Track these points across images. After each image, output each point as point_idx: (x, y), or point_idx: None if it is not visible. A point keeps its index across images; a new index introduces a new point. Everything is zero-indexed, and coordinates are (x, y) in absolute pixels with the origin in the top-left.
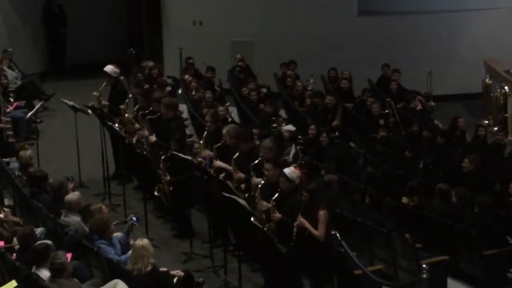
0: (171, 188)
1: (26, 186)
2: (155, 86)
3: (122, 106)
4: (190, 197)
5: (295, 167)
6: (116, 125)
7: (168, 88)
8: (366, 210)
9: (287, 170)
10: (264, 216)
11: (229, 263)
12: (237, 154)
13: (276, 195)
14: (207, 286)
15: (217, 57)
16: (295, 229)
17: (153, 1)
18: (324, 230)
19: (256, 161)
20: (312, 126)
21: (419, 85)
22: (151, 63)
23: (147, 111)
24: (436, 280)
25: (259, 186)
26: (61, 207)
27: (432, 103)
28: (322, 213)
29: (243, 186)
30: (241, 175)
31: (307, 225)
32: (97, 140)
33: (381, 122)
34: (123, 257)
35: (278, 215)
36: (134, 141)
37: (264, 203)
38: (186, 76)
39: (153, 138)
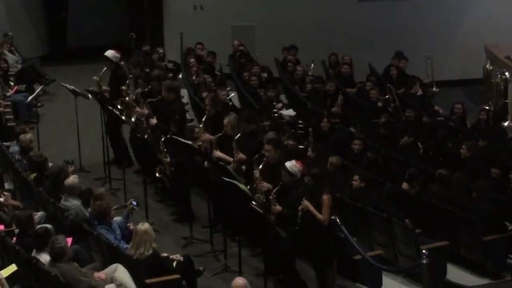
0: (172, 169)
1: (26, 170)
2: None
3: (124, 87)
4: (191, 177)
5: (296, 160)
6: (119, 106)
7: (170, 75)
8: (365, 194)
9: (288, 164)
10: (263, 197)
11: (229, 248)
12: (239, 134)
13: (277, 187)
14: (207, 270)
15: (218, 41)
16: (299, 213)
17: None
18: (328, 214)
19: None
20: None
21: (420, 70)
22: (147, 47)
23: (146, 89)
24: (435, 266)
25: (260, 167)
26: (60, 192)
27: (435, 89)
28: (325, 197)
29: (243, 167)
30: (242, 156)
31: (312, 208)
32: (98, 124)
33: (379, 104)
34: (124, 246)
35: (278, 207)
36: (133, 120)
37: (265, 184)
38: (192, 60)
39: (153, 120)
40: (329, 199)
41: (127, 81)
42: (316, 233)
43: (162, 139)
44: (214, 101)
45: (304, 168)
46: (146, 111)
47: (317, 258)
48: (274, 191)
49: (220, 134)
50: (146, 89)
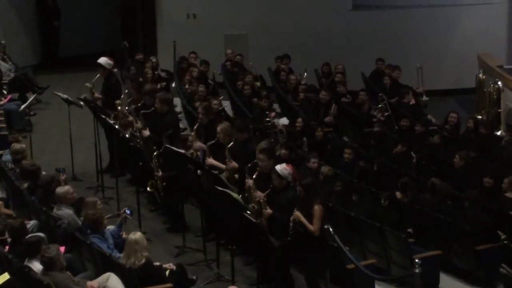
0: (164, 184)
1: (19, 179)
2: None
3: (118, 101)
4: (183, 193)
5: (287, 164)
6: (111, 118)
7: (163, 83)
8: (358, 204)
9: (278, 167)
10: (257, 206)
11: (222, 257)
12: (231, 143)
13: (268, 191)
14: (199, 279)
15: (211, 50)
16: (291, 224)
17: None
18: (319, 225)
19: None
20: (299, 119)
21: (413, 79)
22: (140, 55)
23: (139, 104)
24: (428, 275)
25: (254, 176)
26: (52, 201)
27: (425, 98)
28: (317, 208)
29: (236, 176)
30: (234, 164)
31: (303, 219)
32: (91, 133)
33: (378, 116)
34: (117, 255)
35: (268, 211)
36: (128, 135)
37: (259, 193)
38: (196, 70)
39: (146, 132)
40: (321, 210)
41: (122, 95)
42: (308, 243)
43: (155, 153)
44: (207, 110)
45: (294, 172)
46: (140, 124)
47: (310, 267)
48: (265, 194)
49: (213, 141)
50: (139, 104)
